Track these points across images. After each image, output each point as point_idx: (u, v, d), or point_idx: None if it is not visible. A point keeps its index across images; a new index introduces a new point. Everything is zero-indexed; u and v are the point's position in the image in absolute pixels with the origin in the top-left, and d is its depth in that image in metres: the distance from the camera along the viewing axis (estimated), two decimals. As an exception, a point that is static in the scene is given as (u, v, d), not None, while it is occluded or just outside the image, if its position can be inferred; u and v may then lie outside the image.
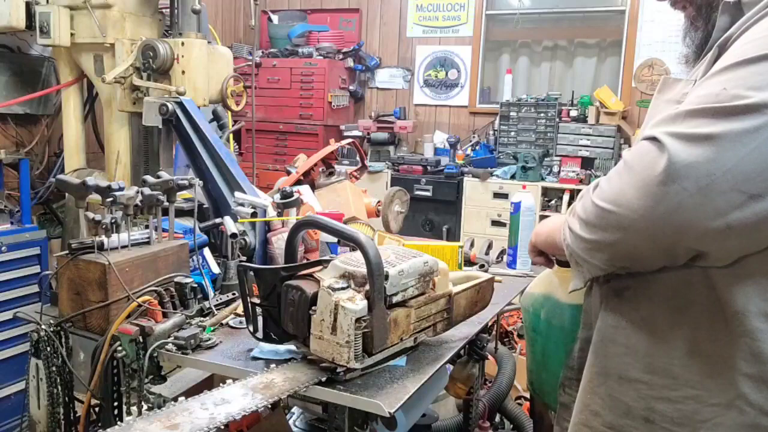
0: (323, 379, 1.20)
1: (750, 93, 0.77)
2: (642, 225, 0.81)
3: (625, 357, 0.95)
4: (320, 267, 1.26)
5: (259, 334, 1.29)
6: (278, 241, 1.80)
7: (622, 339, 0.95)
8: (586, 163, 4.73)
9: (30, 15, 2.83)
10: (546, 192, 4.71)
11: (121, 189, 1.53)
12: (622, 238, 0.85)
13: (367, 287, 1.15)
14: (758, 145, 0.75)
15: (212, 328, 1.45)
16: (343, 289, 1.14)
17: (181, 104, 2.17)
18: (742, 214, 0.77)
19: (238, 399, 1.10)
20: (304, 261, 1.56)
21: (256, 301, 1.28)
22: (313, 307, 1.17)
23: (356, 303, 1.12)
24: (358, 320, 1.12)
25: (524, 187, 3.91)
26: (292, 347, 1.31)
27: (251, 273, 1.27)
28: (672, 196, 0.77)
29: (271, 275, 1.26)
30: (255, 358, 1.32)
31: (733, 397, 0.85)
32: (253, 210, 1.79)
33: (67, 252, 1.47)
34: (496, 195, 4.76)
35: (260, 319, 1.29)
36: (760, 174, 0.76)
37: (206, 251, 1.77)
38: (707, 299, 0.87)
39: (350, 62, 5.65)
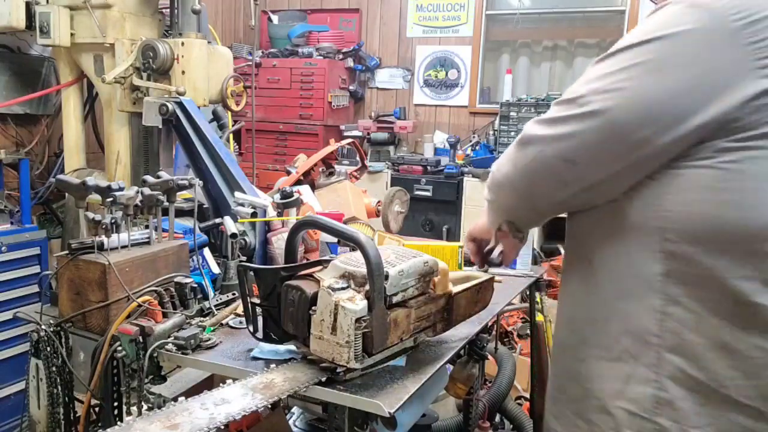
0: (323, 379, 1.20)
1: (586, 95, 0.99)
2: None
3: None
4: (320, 267, 1.26)
5: (259, 335, 1.29)
6: (278, 241, 1.80)
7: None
8: (586, 163, 4.72)
9: (30, 15, 2.83)
10: (546, 192, 4.70)
11: (121, 189, 1.53)
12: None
13: (367, 287, 1.15)
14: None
15: (212, 328, 1.45)
16: (343, 289, 1.14)
17: (181, 104, 2.17)
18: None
19: (238, 399, 1.09)
20: (304, 261, 1.56)
21: (256, 301, 1.28)
22: (313, 308, 1.17)
23: (356, 303, 1.12)
24: (358, 320, 1.12)
25: (524, 187, 3.89)
26: (292, 347, 1.30)
27: (251, 273, 1.27)
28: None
29: (271, 275, 1.26)
30: (255, 358, 1.32)
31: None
32: (253, 210, 1.79)
33: (67, 252, 1.47)
34: (496, 195, 4.75)
35: (260, 319, 1.29)
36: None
37: (206, 251, 1.77)
38: None
39: (350, 62, 5.65)
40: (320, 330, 1.15)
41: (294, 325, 1.22)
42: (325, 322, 1.14)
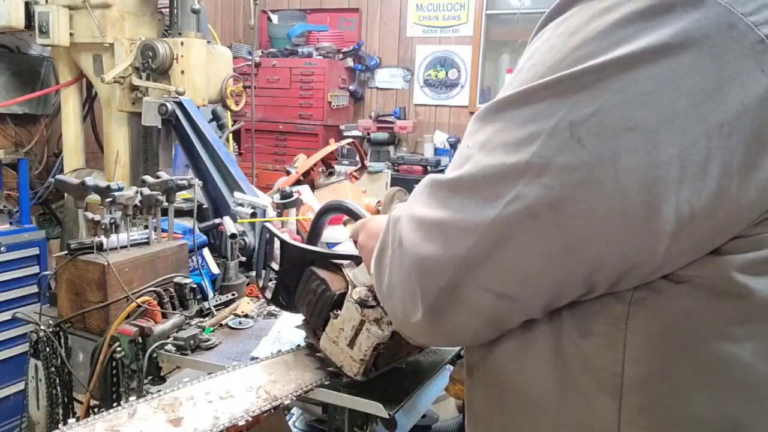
0: (327, 382, 1.19)
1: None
2: None
3: None
4: (349, 262, 1.16)
5: (268, 294, 1.28)
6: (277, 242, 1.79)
7: None
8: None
9: (29, 15, 2.82)
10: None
11: (120, 189, 1.52)
12: None
13: None
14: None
15: (212, 329, 1.45)
16: (372, 307, 1.05)
17: (180, 104, 2.17)
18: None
19: (242, 395, 1.09)
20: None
21: (275, 267, 1.25)
22: (335, 311, 1.11)
23: (383, 329, 1.05)
24: (378, 344, 1.08)
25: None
26: (292, 347, 1.30)
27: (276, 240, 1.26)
28: None
29: (298, 252, 1.21)
30: (255, 359, 1.31)
31: None
32: (252, 210, 1.79)
33: (66, 252, 1.47)
34: (496, 195, 4.75)
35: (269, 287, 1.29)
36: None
37: (206, 251, 1.77)
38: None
39: (350, 62, 5.64)
40: (336, 336, 1.12)
41: (309, 313, 1.17)
42: (345, 332, 1.10)
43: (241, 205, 1.82)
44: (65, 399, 1.49)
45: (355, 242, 1.03)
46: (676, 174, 0.51)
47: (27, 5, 2.83)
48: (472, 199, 0.59)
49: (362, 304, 1.06)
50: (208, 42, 2.85)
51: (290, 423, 1.96)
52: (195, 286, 1.54)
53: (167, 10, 2.86)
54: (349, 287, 1.10)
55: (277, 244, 1.28)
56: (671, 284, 0.57)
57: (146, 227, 1.59)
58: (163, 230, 1.63)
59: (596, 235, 0.54)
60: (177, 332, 1.39)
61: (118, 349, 1.35)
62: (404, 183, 4.69)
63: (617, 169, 0.52)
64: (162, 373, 1.38)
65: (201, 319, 1.48)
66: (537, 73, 0.57)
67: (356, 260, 1.14)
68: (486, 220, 0.57)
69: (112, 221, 1.48)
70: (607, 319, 0.59)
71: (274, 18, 5.84)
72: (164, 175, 1.61)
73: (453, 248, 0.60)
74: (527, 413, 0.68)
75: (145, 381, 1.35)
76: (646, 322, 0.58)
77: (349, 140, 2.74)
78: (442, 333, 0.68)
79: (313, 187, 2.36)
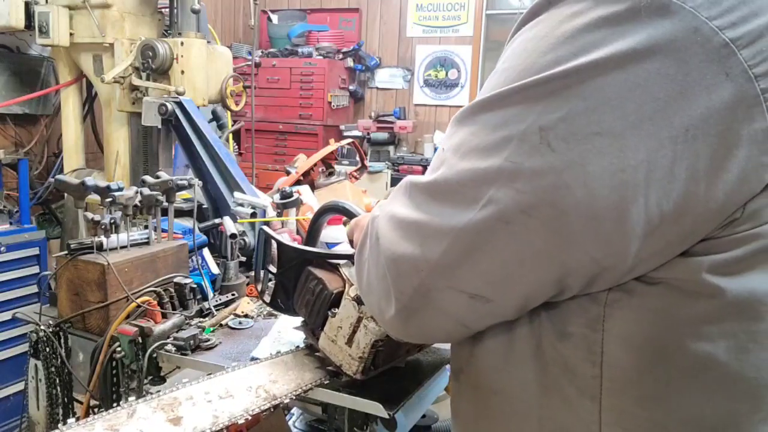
0: (326, 381, 1.19)
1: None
2: None
3: None
4: (346, 261, 1.17)
5: (267, 298, 1.28)
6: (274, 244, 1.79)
7: None
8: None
9: (29, 15, 2.82)
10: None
11: (120, 189, 1.52)
12: None
13: None
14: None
15: (212, 329, 1.45)
16: None
17: (180, 104, 2.17)
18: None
19: (242, 395, 1.09)
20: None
21: (273, 269, 1.25)
22: (333, 309, 1.11)
23: (380, 325, 1.05)
24: (376, 341, 1.08)
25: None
26: (292, 347, 1.30)
27: (273, 242, 1.25)
28: None
29: (294, 253, 1.21)
30: (254, 359, 1.31)
31: None
32: (252, 210, 1.79)
33: (66, 252, 1.47)
34: (496, 195, 4.75)
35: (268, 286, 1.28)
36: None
37: (205, 252, 1.77)
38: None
39: (350, 62, 5.64)
40: (335, 334, 1.12)
41: (308, 313, 1.17)
42: (343, 330, 1.10)
43: (241, 205, 1.82)
44: (65, 399, 1.49)
45: (351, 241, 1.04)
46: (644, 177, 0.52)
47: (27, 5, 2.83)
48: (447, 203, 0.60)
49: (359, 300, 1.06)
50: (208, 42, 2.85)
51: (290, 423, 1.96)
52: (195, 286, 1.54)
53: (167, 10, 2.86)
54: (347, 285, 1.11)
55: (274, 246, 1.28)
56: (644, 286, 0.57)
57: (146, 227, 1.59)
58: (163, 230, 1.63)
59: (568, 239, 0.55)
60: (177, 332, 1.39)
61: (118, 349, 1.35)
62: (404, 183, 4.69)
63: (586, 173, 0.52)
64: (162, 373, 1.38)
65: (201, 319, 1.48)
66: (509, 77, 0.58)
67: (353, 259, 1.12)
68: (459, 224, 0.58)
69: (112, 221, 1.48)
70: (584, 320, 0.60)
71: (274, 18, 5.84)
72: (164, 175, 1.61)
73: (428, 250, 0.61)
74: (511, 417, 0.68)
75: (145, 381, 1.35)
76: (621, 323, 0.58)
77: (349, 140, 2.74)
78: (415, 331, 0.69)
79: (313, 187, 2.36)
